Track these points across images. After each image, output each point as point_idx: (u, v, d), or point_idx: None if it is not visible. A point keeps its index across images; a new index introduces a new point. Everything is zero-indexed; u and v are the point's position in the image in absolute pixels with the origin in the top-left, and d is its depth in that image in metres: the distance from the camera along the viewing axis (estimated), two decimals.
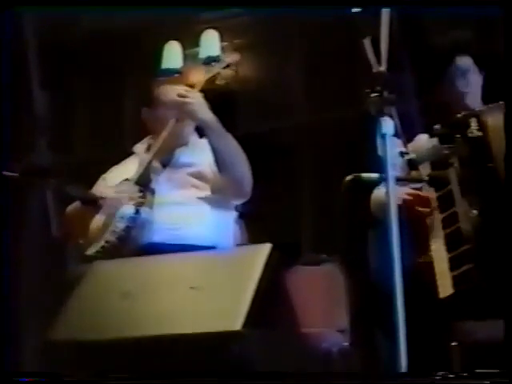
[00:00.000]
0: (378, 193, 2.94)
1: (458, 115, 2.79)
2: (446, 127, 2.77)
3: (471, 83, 3.01)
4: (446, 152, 2.72)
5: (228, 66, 3.26)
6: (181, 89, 3.16)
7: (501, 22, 2.57)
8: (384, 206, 2.16)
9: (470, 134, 2.69)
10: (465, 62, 3.02)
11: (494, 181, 2.60)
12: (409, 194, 2.76)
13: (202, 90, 3.18)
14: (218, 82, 3.23)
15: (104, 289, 2.45)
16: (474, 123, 2.69)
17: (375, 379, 2.29)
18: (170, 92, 3.25)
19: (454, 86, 3.01)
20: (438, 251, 2.69)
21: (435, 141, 2.78)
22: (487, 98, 2.93)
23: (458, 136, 2.71)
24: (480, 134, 2.68)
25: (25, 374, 2.29)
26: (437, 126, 2.81)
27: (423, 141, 2.91)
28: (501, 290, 2.43)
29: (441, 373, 2.11)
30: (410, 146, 2.77)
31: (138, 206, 3.08)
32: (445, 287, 2.62)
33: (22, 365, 3.76)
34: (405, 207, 2.63)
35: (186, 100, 3.12)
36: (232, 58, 3.29)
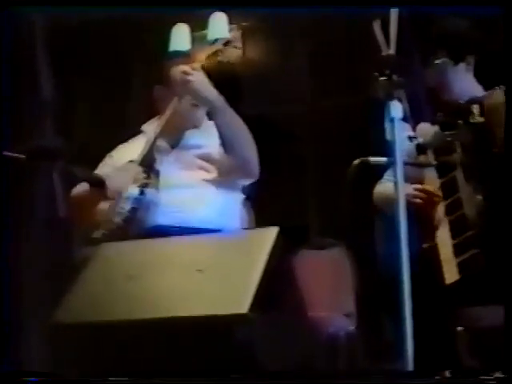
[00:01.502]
0: (381, 187, 2.94)
1: (460, 101, 2.78)
2: (448, 114, 2.77)
3: (448, 77, 2.95)
4: (449, 139, 2.72)
5: (229, 42, 3.23)
6: (185, 67, 3.14)
7: (501, 22, 2.57)
8: (387, 200, 2.16)
9: (472, 120, 2.68)
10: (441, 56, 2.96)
11: (498, 166, 2.60)
12: (416, 190, 2.75)
13: (204, 68, 3.16)
14: (220, 59, 3.20)
15: (110, 271, 2.45)
16: (476, 109, 2.69)
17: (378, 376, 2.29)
18: (177, 69, 3.24)
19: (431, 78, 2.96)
20: (443, 237, 2.69)
21: (437, 128, 2.78)
22: (488, 84, 2.92)
23: (461, 122, 2.70)
24: (482, 119, 2.68)
25: (25, 374, 2.29)
26: (439, 114, 2.80)
27: (426, 128, 2.90)
28: (505, 275, 2.43)
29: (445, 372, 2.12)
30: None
31: (143, 187, 3.08)
32: (450, 273, 2.62)
33: (27, 349, 3.77)
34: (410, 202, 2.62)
35: (189, 78, 3.10)
36: (233, 34, 3.26)
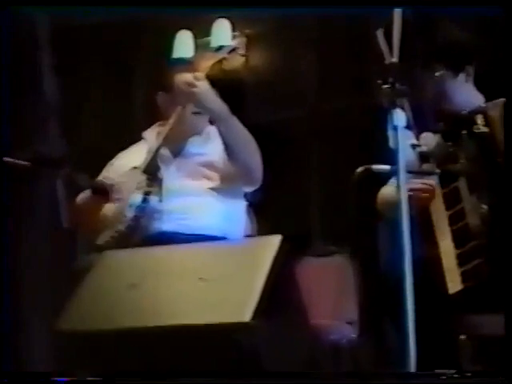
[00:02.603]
0: (385, 191, 2.94)
1: (463, 112, 2.78)
2: (450, 124, 2.76)
3: (448, 88, 2.95)
4: (452, 149, 2.72)
5: (234, 49, 3.23)
6: (188, 76, 3.14)
7: (501, 22, 2.56)
8: (391, 205, 2.15)
9: (476, 130, 2.68)
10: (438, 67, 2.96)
11: (502, 176, 2.59)
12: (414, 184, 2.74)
13: (209, 76, 3.16)
14: (224, 67, 3.21)
15: (113, 279, 2.45)
16: (479, 119, 2.68)
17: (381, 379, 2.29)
18: (181, 79, 3.24)
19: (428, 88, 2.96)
20: (446, 247, 2.68)
21: (439, 137, 2.78)
22: (491, 94, 2.92)
23: (465, 132, 2.70)
24: (487, 129, 2.67)
25: (26, 375, 2.29)
26: (440, 124, 2.80)
27: (429, 138, 2.90)
28: (508, 285, 2.42)
29: (447, 372, 2.11)
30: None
31: (146, 194, 3.08)
32: (454, 283, 2.61)
33: (30, 357, 3.77)
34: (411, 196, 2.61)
35: (193, 89, 3.10)
36: (238, 41, 3.26)
